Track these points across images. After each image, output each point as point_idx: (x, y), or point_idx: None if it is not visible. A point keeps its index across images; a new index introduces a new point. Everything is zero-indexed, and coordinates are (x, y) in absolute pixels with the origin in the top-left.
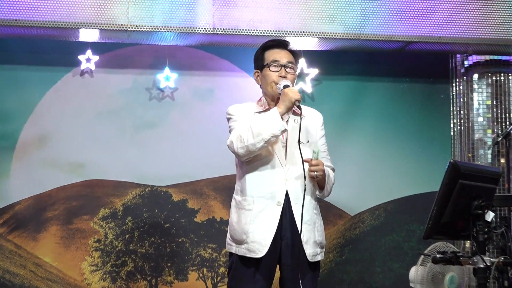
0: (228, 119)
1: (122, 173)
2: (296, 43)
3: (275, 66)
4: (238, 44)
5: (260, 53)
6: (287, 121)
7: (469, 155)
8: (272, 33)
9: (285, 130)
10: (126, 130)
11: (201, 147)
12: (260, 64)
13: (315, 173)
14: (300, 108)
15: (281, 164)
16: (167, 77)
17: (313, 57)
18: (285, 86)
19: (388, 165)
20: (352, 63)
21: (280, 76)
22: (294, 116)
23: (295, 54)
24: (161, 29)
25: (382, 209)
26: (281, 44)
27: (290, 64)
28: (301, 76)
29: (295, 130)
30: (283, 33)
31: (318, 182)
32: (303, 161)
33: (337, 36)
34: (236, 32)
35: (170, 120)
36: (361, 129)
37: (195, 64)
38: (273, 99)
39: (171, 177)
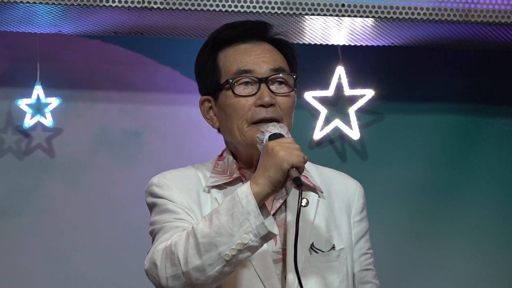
0: (151, 207)
1: None
2: (326, 32)
3: (245, 83)
4: (197, 32)
5: (210, 55)
6: (283, 203)
7: None
8: (270, 9)
9: (270, 236)
10: None
11: (117, 260)
12: (211, 82)
13: None
14: (300, 184)
15: None
16: (38, 106)
17: (364, 61)
18: (274, 137)
19: None
20: (452, 75)
21: (261, 106)
22: (297, 189)
23: (287, 49)
24: None
25: None
26: (252, 30)
27: (278, 75)
28: (337, 105)
29: (301, 223)
30: (295, 9)
31: None
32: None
33: (419, 16)
34: (191, 6)
35: (43, 202)
36: (471, 217)
37: (103, 77)
38: (249, 160)
39: None
